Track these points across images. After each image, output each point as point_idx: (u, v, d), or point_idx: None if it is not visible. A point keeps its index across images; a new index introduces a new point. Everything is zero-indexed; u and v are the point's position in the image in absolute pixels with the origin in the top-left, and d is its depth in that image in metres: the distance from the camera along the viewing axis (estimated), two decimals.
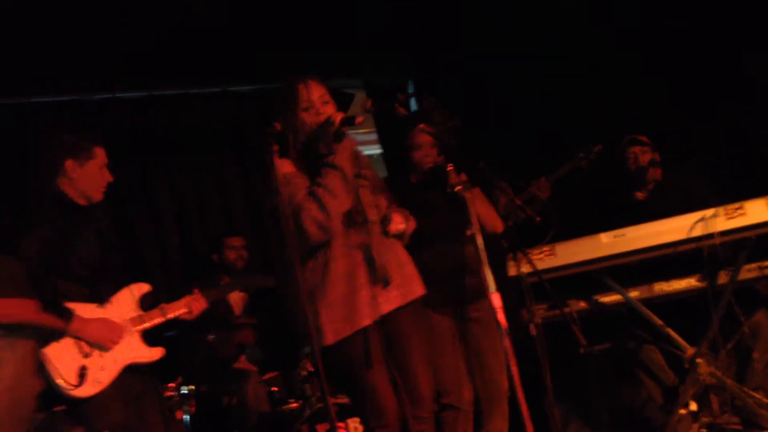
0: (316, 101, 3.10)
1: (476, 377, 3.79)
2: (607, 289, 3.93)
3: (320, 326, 3.03)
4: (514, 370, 2.75)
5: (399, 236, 3.16)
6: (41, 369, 3.06)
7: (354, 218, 3.11)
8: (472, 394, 3.71)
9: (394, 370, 3.08)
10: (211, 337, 4.51)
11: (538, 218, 3.30)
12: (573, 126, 5.37)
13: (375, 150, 6.57)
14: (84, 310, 3.21)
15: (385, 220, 3.13)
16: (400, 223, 3.13)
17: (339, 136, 2.99)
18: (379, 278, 3.08)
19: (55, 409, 3.37)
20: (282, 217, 2.88)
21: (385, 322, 3.10)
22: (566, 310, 3.69)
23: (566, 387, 4.05)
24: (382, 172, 5.69)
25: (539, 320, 3.63)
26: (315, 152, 3.07)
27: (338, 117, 2.98)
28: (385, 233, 3.11)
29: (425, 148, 3.83)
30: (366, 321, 3.04)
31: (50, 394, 3.14)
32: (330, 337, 3.03)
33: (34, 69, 4.89)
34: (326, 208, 2.96)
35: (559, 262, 3.85)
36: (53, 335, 3.10)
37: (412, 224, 3.24)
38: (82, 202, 3.37)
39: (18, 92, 5.16)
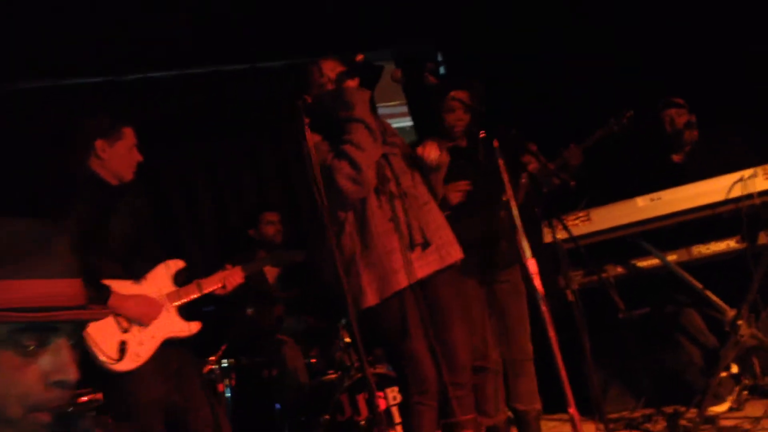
0: (331, 75, 3.15)
1: (502, 339, 3.79)
2: (644, 254, 3.89)
3: (362, 287, 3.05)
4: (552, 335, 2.73)
5: (433, 166, 3.16)
6: (82, 344, 3.11)
7: (387, 186, 3.12)
8: (499, 355, 3.72)
9: (433, 336, 3.09)
10: (249, 310, 4.56)
11: (573, 182, 3.26)
12: (604, 92, 5.28)
13: (406, 122, 6.54)
14: (121, 286, 3.25)
15: (420, 148, 3.14)
16: (433, 150, 3.13)
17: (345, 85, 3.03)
18: (417, 242, 3.10)
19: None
20: (315, 185, 2.90)
21: (423, 286, 3.11)
22: (603, 275, 3.65)
23: (605, 353, 4.03)
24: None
25: (576, 287, 3.59)
26: (338, 120, 3.09)
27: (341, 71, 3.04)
28: (416, 159, 3.13)
29: (456, 116, 3.80)
30: (403, 282, 3.05)
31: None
32: (372, 298, 3.05)
33: (67, 51, 4.93)
34: (356, 161, 2.99)
35: (594, 227, 3.82)
36: None
37: (446, 156, 3.24)
38: (113, 181, 3.40)
39: (51, 75, 5.21)
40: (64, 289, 1.12)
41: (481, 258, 3.71)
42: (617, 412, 4.10)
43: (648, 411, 3.93)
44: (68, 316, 1.11)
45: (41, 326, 1.10)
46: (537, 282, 2.78)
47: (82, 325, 1.16)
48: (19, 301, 1.07)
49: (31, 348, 1.10)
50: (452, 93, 3.75)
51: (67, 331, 1.13)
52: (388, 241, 3.09)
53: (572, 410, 2.66)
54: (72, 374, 1.13)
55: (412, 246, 3.10)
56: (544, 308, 2.78)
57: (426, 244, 3.12)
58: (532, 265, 2.81)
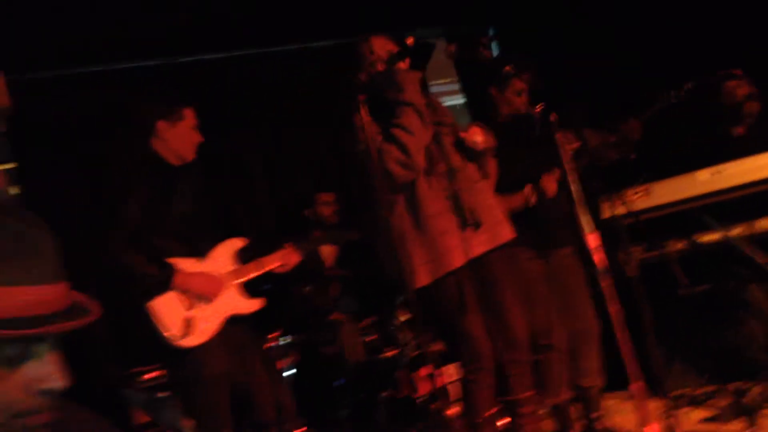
0: (382, 54, 3.14)
1: (567, 318, 3.77)
2: (706, 228, 3.82)
3: (413, 268, 3.07)
4: (613, 310, 2.71)
5: (478, 150, 3.14)
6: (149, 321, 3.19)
7: (437, 166, 3.13)
8: (564, 334, 3.69)
9: (488, 315, 3.09)
10: (307, 288, 4.61)
11: (633, 155, 3.21)
12: (662, 64, 5.17)
13: (458, 100, 6.50)
14: (185, 264, 3.32)
15: (464, 133, 3.13)
16: (478, 134, 3.12)
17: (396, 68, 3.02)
18: (468, 221, 3.10)
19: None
20: (368, 164, 2.92)
21: (476, 265, 3.12)
22: (664, 250, 3.59)
23: (666, 329, 3.97)
24: (465, 122, 5.63)
25: (636, 262, 3.55)
26: (388, 102, 3.10)
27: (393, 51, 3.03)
28: (460, 144, 3.12)
29: (510, 92, 3.77)
30: (457, 262, 3.06)
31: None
32: (424, 278, 3.07)
33: (121, 36, 5.01)
34: (405, 146, 3.00)
35: (654, 201, 3.77)
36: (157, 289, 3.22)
37: (491, 140, 3.22)
38: (175, 162, 3.45)
39: (106, 59, 5.30)
40: (52, 294, 1.06)
41: (538, 235, 3.69)
42: (680, 389, 4.05)
43: (711, 388, 3.88)
44: (57, 329, 1.05)
45: (27, 338, 1.04)
46: (597, 257, 2.75)
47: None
48: (4, 311, 1.01)
49: (13, 357, 1.04)
50: (506, 68, 3.72)
51: (53, 339, 1.08)
52: (439, 222, 3.09)
53: (636, 386, 2.64)
54: (59, 381, 1.07)
55: (463, 226, 3.10)
56: (604, 283, 2.75)
57: (477, 224, 3.12)
58: (592, 240, 2.78)
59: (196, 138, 3.49)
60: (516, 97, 3.75)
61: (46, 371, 1.05)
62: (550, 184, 3.55)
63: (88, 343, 5.14)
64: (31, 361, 1.05)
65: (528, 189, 3.59)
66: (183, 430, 1.12)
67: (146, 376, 4.64)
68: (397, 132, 3.03)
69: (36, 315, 1.02)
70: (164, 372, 4.50)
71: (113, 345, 5.09)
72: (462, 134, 3.17)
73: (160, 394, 1.05)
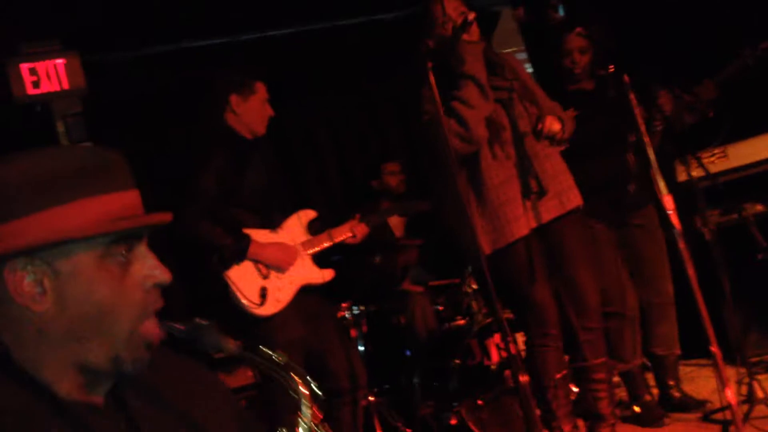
0: (453, 14, 3.10)
1: (640, 283, 3.71)
2: None
3: (477, 238, 3.07)
4: (691, 273, 2.66)
5: (553, 139, 3.09)
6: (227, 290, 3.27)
7: (502, 134, 3.10)
8: (636, 301, 3.64)
9: (558, 282, 3.08)
10: (377, 259, 4.65)
11: (710, 113, 3.12)
12: (736, 24, 4.99)
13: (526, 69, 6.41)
14: (259, 235, 3.39)
15: (537, 123, 3.08)
16: (554, 123, 3.06)
17: (459, 40, 2.98)
18: (534, 188, 3.07)
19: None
20: (435, 132, 2.92)
21: (544, 232, 3.10)
22: (742, 213, 3.50)
23: (745, 295, 3.88)
24: None
25: (713, 226, 3.48)
26: (451, 69, 3.08)
27: (458, 21, 2.98)
28: (537, 135, 3.07)
29: (581, 53, 3.69)
30: (523, 231, 3.05)
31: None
32: (486, 248, 3.07)
33: (193, 15, 5.10)
34: (465, 119, 2.99)
35: (732, 164, 3.68)
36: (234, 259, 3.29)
37: (570, 126, 3.17)
38: (248, 135, 3.51)
39: (177, 38, 5.41)
40: (134, 199, 1.15)
41: (611, 200, 3.63)
42: (758, 356, 3.96)
43: None
44: (150, 221, 1.15)
45: (128, 234, 1.13)
46: (674, 219, 2.70)
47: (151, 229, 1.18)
48: (105, 214, 1.09)
49: (124, 257, 1.13)
50: (576, 30, 3.66)
51: (144, 236, 1.17)
52: (503, 191, 3.07)
53: (714, 348, 2.59)
54: (165, 274, 1.16)
55: (528, 194, 3.07)
56: (682, 245, 2.70)
57: (542, 192, 3.09)
58: (668, 202, 2.73)
59: (268, 112, 3.53)
60: (582, 55, 3.65)
61: (150, 266, 1.14)
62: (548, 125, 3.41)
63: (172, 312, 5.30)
64: (136, 261, 1.14)
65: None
66: (227, 350, 1.18)
67: None
68: (456, 105, 3.01)
69: (128, 215, 1.12)
70: (240, 342, 4.62)
71: (191, 311, 5.23)
72: (539, 125, 3.11)
73: (198, 320, 1.11)
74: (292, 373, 1.22)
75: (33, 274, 1.07)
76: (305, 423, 1.22)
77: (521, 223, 3.05)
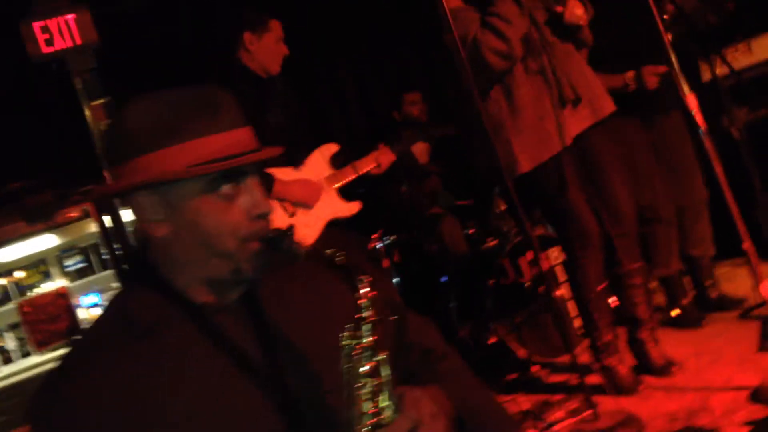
0: None
1: (674, 186, 3.66)
2: None
3: (514, 155, 3.05)
4: (719, 170, 2.62)
5: (577, 23, 3.03)
6: None
7: (532, 42, 3.03)
8: (671, 205, 3.60)
9: (593, 190, 3.05)
10: (403, 188, 4.65)
11: (731, 6, 3.03)
12: None
13: None
14: (282, 173, 3.39)
15: (556, 4, 3.01)
16: (576, 6, 3.00)
17: None
18: (567, 99, 3.03)
19: None
20: (456, 53, 2.86)
21: (578, 142, 3.06)
22: None
23: None
24: None
25: (741, 124, 3.40)
26: None
27: None
28: (558, 18, 3.00)
29: None
30: (558, 146, 3.02)
31: None
32: (525, 165, 3.06)
33: None
34: (505, 35, 2.92)
35: (757, 58, 3.56)
36: None
37: (591, 10, 3.10)
38: (262, 74, 3.48)
39: None
40: (242, 136, 1.27)
41: (642, 104, 3.55)
42: None
43: None
44: (251, 159, 1.26)
45: (233, 172, 1.24)
46: (699, 117, 2.65)
47: (264, 164, 1.30)
48: (211, 154, 1.22)
49: (230, 192, 1.25)
50: None
51: (253, 170, 1.29)
52: (537, 107, 3.04)
53: (747, 245, 2.57)
54: (268, 206, 1.28)
55: (563, 103, 3.03)
56: (707, 144, 2.66)
57: (577, 100, 3.05)
58: (691, 101, 2.67)
59: (282, 50, 3.49)
60: None
61: (255, 199, 1.27)
62: (651, 77, 3.37)
63: None
64: (242, 193, 1.26)
65: (630, 75, 3.42)
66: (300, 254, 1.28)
67: None
68: (494, 21, 2.94)
69: (233, 154, 1.23)
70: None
71: None
72: (558, 8, 3.04)
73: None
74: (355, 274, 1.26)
75: (152, 205, 1.24)
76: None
77: (555, 138, 3.02)
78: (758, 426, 2.36)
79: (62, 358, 1.26)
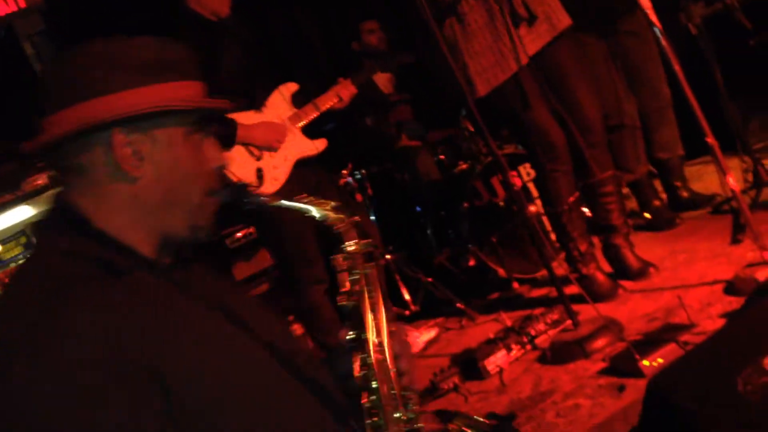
0: None
1: (637, 90, 3.65)
2: None
3: (471, 79, 3.03)
4: (677, 69, 2.61)
5: None
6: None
7: None
8: (635, 110, 3.60)
9: (558, 104, 3.04)
10: (369, 120, 4.61)
11: None
12: None
13: None
14: (244, 117, 3.35)
15: None
16: None
17: None
18: (521, 17, 2.99)
19: None
20: None
21: (538, 58, 3.04)
22: (727, 1, 3.38)
23: (741, 83, 3.81)
24: None
25: (698, 20, 3.37)
26: None
27: None
28: None
29: None
30: (513, 67, 3.00)
31: None
32: (482, 89, 3.04)
33: None
34: None
35: None
36: (223, 146, 3.28)
37: None
38: (213, 18, 3.40)
39: None
40: (203, 88, 1.28)
41: (597, 10, 3.51)
42: (761, 141, 3.94)
43: None
44: (228, 106, 1.35)
45: (205, 120, 1.27)
46: (652, 16, 2.62)
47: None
48: (191, 98, 1.24)
49: (200, 142, 1.27)
50: None
51: (212, 128, 1.31)
52: (490, 30, 3.01)
53: (710, 139, 2.57)
54: (225, 161, 1.32)
55: (516, 23, 2.99)
56: (664, 42, 2.63)
57: (533, 18, 3.01)
58: (644, 0, 2.64)
59: None
60: None
61: (216, 151, 1.29)
62: None
63: None
64: (207, 146, 1.28)
65: None
66: (265, 202, 1.34)
67: (238, 235, 4.83)
68: None
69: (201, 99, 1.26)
70: (251, 228, 4.67)
71: None
72: None
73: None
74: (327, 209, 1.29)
75: (133, 142, 1.20)
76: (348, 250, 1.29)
77: (510, 60, 2.99)
78: (733, 317, 2.41)
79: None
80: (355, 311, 1.24)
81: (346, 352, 1.24)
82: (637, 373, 2.24)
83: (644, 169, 3.73)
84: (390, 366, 1.22)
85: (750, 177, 3.36)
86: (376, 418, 1.17)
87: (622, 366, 2.36)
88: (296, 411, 1.21)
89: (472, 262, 4.01)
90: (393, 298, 3.89)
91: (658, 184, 3.90)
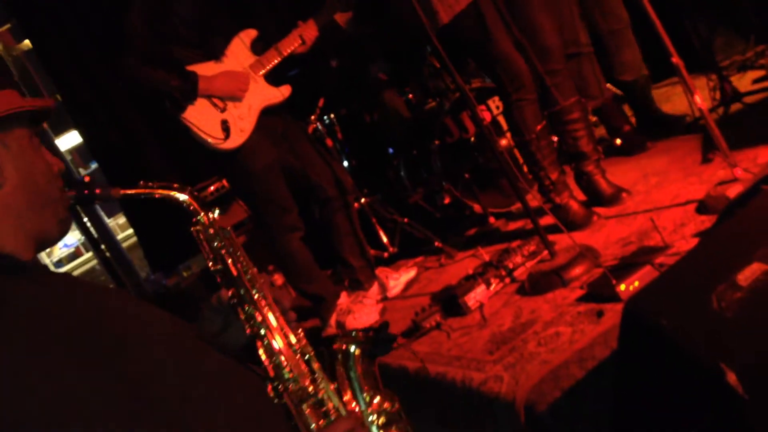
0: None
1: (595, 14, 3.60)
2: None
3: (433, 7, 2.99)
4: None
5: None
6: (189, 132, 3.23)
7: None
8: (587, 37, 3.55)
9: (517, 32, 3.00)
10: (333, 62, 4.53)
11: None
12: None
13: None
14: (204, 68, 3.28)
15: None
16: None
17: None
18: None
19: None
20: None
21: None
22: None
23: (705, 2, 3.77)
24: None
25: None
26: None
27: None
28: None
29: None
30: None
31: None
32: (444, 16, 3.00)
33: None
34: None
35: None
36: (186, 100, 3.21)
37: None
38: None
39: None
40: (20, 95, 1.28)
41: None
42: (727, 58, 3.92)
43: (760, 48, 3.74)
44: (52, 103, 1.33)
45: (36, 117, 1.29)
46: None
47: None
48: (18, 103, 1.24)
49: (38, 143, 1.28)
50: None
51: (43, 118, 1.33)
52: None
53: (675, 59, 2.55)
54: (62, 163, 1.32)
55: None
56: None
57: None
58: None
59: None
60: None
61: (49, 155, 1.29)
62: None
63: (152, 169, 5.29)
64: (40, 146, 1.28)
65: None
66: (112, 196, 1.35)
67: (210, 189, 4.79)
68: None
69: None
70: (224, 180, 4.63)
71: (174, 167, 5.23)
72: None
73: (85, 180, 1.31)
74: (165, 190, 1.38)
75: None
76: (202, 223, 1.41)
77: None
78: (705, 235, 2.43)
79: None
80: (227, 271, 1.37)
81: (229, 310, 1.36)
82: (615, 297, 2.26)
83: (609, 94, 3.71)
84: (273, 307, 1.35)
85: (717, 95, 3.36)
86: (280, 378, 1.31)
87: (599, 292, 2.37)
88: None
89: (447, 200, 4.00)
90: (370, 241, 3.88)
91: (626, 109, 3.88)
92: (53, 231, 1.26)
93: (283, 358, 1.31)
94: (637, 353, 1.66)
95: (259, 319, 1.33)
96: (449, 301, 2.93)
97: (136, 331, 1.20)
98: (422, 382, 2.61)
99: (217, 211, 1.41)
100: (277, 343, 1.32)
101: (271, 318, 1.34)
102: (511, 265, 2.94)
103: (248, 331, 1.33)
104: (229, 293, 1.36)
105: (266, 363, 1.30)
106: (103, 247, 6.21)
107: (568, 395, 2.05)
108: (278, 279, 4.60)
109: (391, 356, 2.83)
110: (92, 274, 8.85)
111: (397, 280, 3.65)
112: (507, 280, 2.94)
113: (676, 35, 2.76)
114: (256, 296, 1.35)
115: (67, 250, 9.86)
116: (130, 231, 7.16)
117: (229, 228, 1.42)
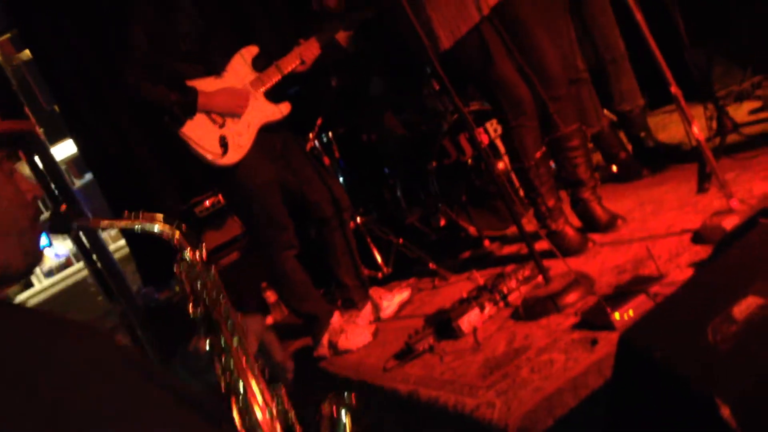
0: None
1: (593, 43, 3.62)
2: None
3: (434, 32, 3.00)
4: (639, 17, 2.58)
5: None
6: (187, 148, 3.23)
7: None
8: (584, 63, 3.57)
9: (520, 58, 3.01)
10: (333, 81, 4.55)
11: None
12: None
13: None
14: (204, 84, 3.29)
15: None
16: None
17: None
18: None
19: None
20: None
21: (500, 10, 3.00)
22: None
23: (703, 30, 3.79)
24: None
25: None
26: None
27: None
28: None
29: None
30: (476, 17, 2.97)
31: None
32: (446, 41, 3.01)
33: None
34: None
35: None
36: (185, 115, 3.22)
37: None
38: None
39: None
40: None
41: None
42: (725, 88, 3.94)
43: (757, 78, 3.76)
44: (30, 125, 1.24)
45: (8, 147, 1.24)
46: None
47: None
48: None
49: (9, 169, 1.22)
50: None
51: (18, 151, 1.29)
52: None
53: (674, 89, 2.56)
54: (40, 190, 1.27)
55: None
56: None
57: None
58: None
59: None
60: None
61: (26, 183, 1.23)
62: None
63: (147, 182, 5.29)
64: (15, 172, 1.22)
65: None
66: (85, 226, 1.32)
67: (206, 203, 4.79)
68: None
69: None
70: (219, 195, 4.63)
71: (169, 181, 5.23)
72: None
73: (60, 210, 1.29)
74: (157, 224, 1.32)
75: None
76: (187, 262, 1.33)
77: (472, 9, 2.96)
78: (701, 266, 2.43)
79: None
80: (208, 318, 1.27)
81: (206, 358, 1.25)
82: (609, 326, 2.26)
83: (605, 121, 3.73)
84: (252, 363, 1.23)
85: (714, 125, 3.37)
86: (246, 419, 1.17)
87: (594, 320, 2.37)
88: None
89: (442, 222, 4.00)
90: (365, 261, 3.88)
91: (623, 137, 3.89)
92: (17, 263, 1.17)
93: (259, 420, 1.17)
94: (631, 384, 1.66)
95: (236, 374, 1.21)
96: (443, 324, 2.92)
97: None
98: (414, 406, 2.60)
99: (204, 249, 1.34)
100: (255, 405, 1.18)
101: (250, 375, 1.21)
102: (505, 290, 2.94)
103: (223, 387, 1.20)
104: (207, 342, 1.25)
105: (239, 426, 1.17)
106: (94, 257, 6.15)
107: (561, 423, 2.05)
108: (271, 296, 4.60)
109: (382, 379, 2.82)
110: (82, 285, 8.80)
111: (391, 300, 3.64)
112: (501, 304, 2.94)
113: (674, 63, 2.78)
114: (235, 347, 1.23)
115: (57, 261, 9.82)
116: (123, 241, 7.13)
117: (213, 268, 1.33)
